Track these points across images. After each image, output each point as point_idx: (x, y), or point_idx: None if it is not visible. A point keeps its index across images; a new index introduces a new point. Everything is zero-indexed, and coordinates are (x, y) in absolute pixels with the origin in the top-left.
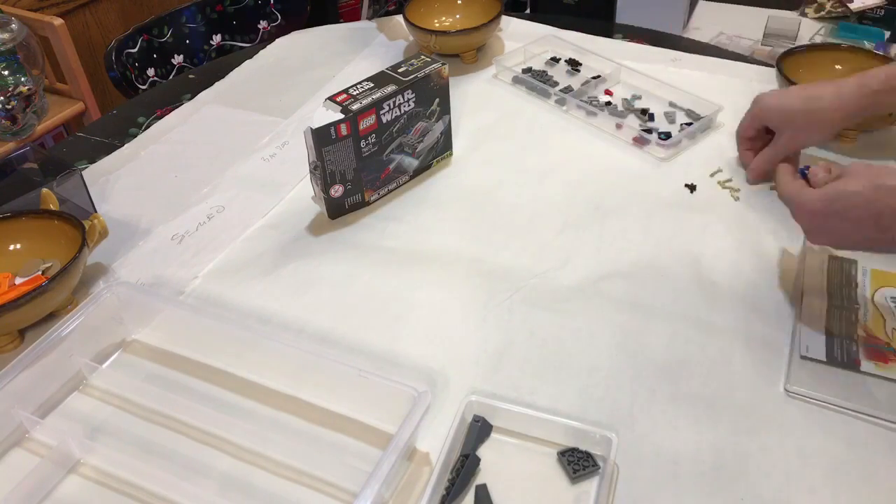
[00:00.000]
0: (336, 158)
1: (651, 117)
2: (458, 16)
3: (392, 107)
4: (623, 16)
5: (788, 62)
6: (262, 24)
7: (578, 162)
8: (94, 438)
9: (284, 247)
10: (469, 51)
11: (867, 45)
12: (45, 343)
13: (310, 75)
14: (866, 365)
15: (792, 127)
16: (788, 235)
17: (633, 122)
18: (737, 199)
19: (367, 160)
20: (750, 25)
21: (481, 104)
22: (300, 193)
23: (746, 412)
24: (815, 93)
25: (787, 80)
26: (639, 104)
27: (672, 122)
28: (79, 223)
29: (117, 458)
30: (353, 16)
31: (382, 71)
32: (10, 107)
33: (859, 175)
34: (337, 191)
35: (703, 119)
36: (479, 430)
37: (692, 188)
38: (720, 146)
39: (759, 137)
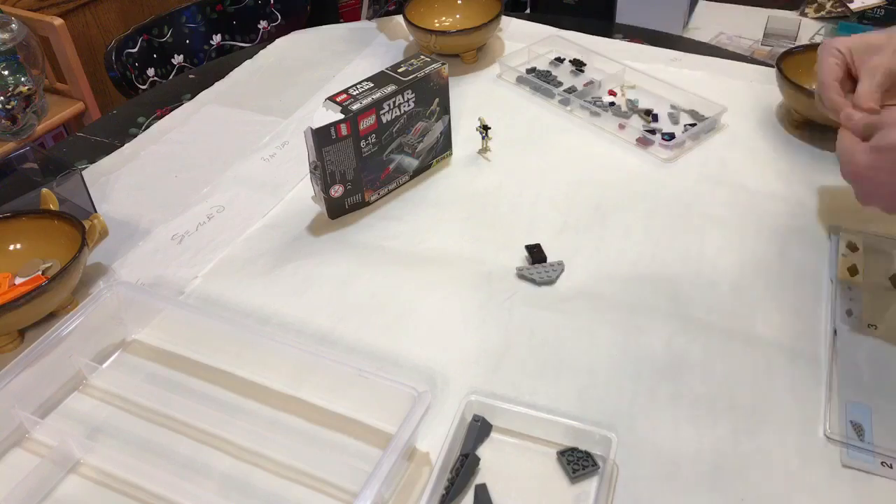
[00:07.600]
0: (336, 158)
1: (655, 118)
2: (458, 16)
3: (392, 107)
4: (623, 16)
5: (788, 62)
6: (262, 24)
7: (580, 162)
8: (94, 438)
9: (284, 247)
10: (469, 51)
11: None
12: (45, 343)
13: (310, 75)
14: None
15: (880, 50)
16: (789, 235)
17: (636, 123)
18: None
19: (367, 160)
20: (750, 25)
21: (481, 104)
22: (300, 193)
23: (747, 412)
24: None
25: (787, 80)
26: (642, 105)
27: (676, 122)
28: (79, 223)
29: (117, 458)
30: (353, 16)
31: (382, 71)
32: (10, 107)
33: None
34: (337, 191)
35: (708, 120)
36: (478, 429)
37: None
38: (724, 147)
39: (844, 82)
